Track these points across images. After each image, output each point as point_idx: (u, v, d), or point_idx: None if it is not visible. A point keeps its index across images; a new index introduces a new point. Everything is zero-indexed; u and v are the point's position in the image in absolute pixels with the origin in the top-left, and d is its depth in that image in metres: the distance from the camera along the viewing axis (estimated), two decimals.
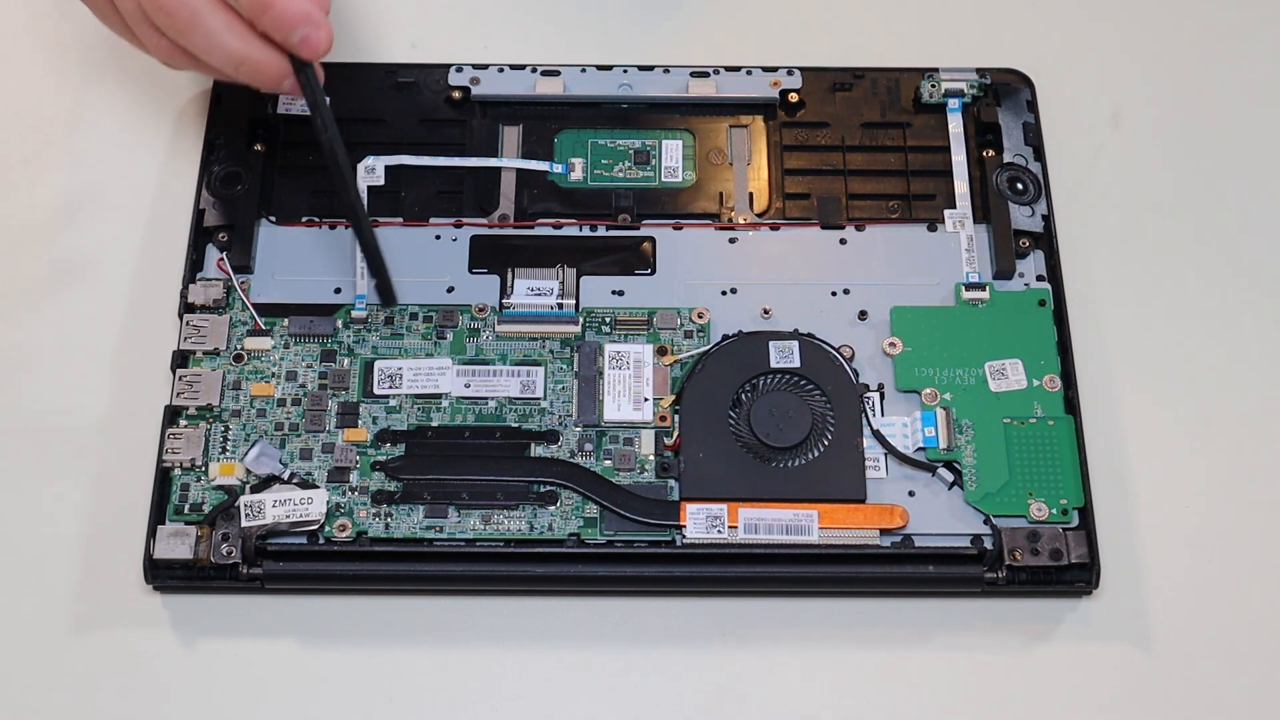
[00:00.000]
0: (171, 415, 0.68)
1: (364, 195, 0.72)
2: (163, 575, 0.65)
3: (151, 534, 0.65)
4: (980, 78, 0.76)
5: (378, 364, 0.69)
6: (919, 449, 0.67)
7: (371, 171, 0.73)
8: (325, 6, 0.65)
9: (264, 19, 0.63)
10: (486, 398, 0.69)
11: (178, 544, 0.65)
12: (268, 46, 0.65)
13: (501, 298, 0.71)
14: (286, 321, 0.70)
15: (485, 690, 0.65)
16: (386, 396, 0.68)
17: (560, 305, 0.71)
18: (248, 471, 0.67)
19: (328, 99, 0.66)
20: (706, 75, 0.76)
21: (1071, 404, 0.68)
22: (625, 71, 0.76)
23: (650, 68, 0.77)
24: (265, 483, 0.66)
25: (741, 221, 0.73)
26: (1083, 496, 0.66)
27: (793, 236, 0.73)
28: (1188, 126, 0.78)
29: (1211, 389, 0.71)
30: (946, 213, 0.73)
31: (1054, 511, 0.66)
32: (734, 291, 0.71)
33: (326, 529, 0.66)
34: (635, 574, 0.65)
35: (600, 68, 0.77)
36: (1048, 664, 0.66)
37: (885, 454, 0.67)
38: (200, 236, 0.72)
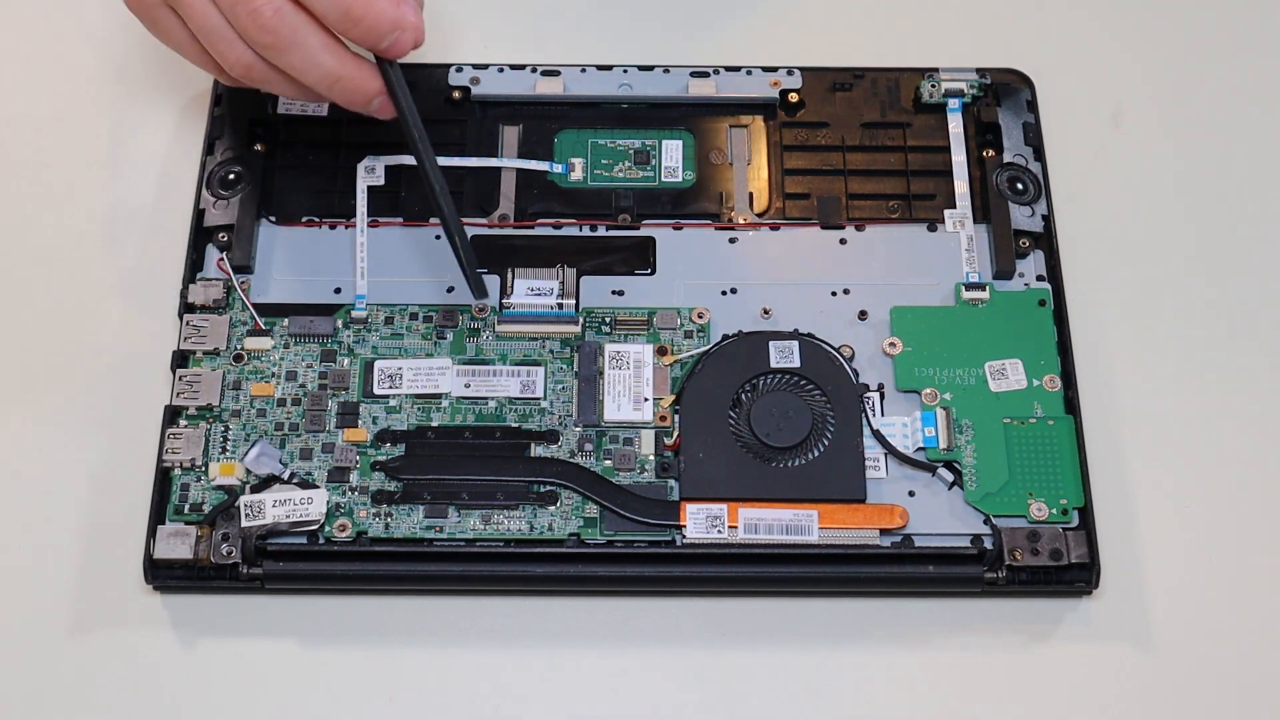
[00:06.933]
0: (171, 415, 0.68)
1: (364, 195, 0.72)
2: (163, 575, 0.65)
3: (151, 534, 0.65)
4: (980, 78, 0.76)
5: (378, 364, 0.69)
6: (919, 449, 0.67)
7: (371, 171, 0.73)
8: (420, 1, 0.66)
9: (354, 32, 0.64)
10: (486, 398, 0.69)
11: (178, 544, 0.65)
12: (361, 64, 0.65)
13: (501, 298, 0.71)
14: (286, 321, 0.70)
15: (485, 690, 0.65)
16: (386, 396, 0.68)
17: (560, 305, 0.71)
18: (248, 471, 0.67)
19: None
20: (706, 75, 0.76)
21: (1071, 404, 0.68)
22: (625, 71, 0.76)
23: (650, 68, 0.77)
24: (265, 483, 0.66)
25: (741, 221, 0.73)
26: (1083, 496, 0.66)
27: (793, 236, 0.73)
28: (1188, 126, 0.78)
29: (1211, 389, 0.71)
30: (946, 213, 0.73)
31: (1054, 511, 0.66)
32: (734, 291, 0.71)
33: (326, 529, 0.66)
34: (635, 574, 0.65)
35: (600, 68, 0.77)
36: (1048, 664, 0.66)
37: (885, 454, 0.67)
38: (200, 236, 0.72)
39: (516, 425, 0.68)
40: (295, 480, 0.67)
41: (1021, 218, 0.73)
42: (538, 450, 0.67)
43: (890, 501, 0.66)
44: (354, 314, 0.70)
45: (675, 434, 0.68)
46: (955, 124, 0.75)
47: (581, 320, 0.70)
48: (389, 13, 0.64)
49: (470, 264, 0.69)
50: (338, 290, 0.71)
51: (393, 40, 0.64)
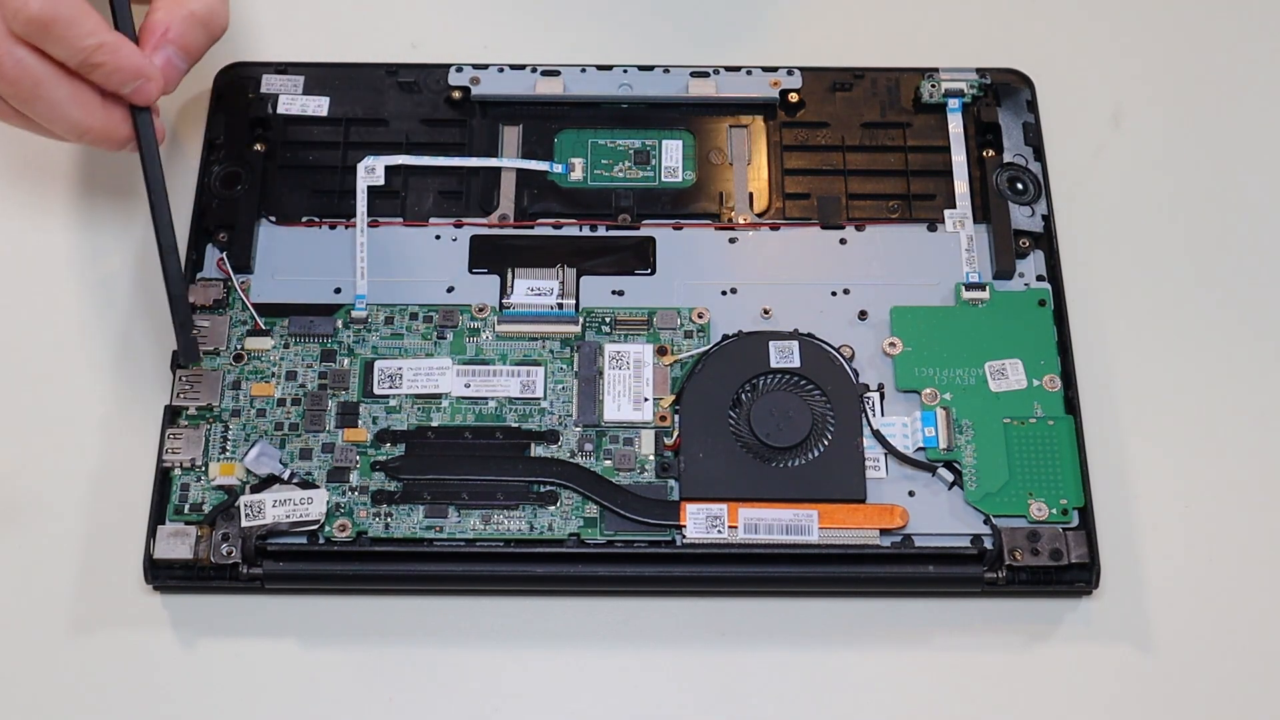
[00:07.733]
0: (171, 415, 0.68)
1: (364, 195, 0.72)
2: (163, 575, 0.65)
3: (151, 534, 0.65)
4: (980, 78, 0.76)
5: (378, 364, 0.69)
6: (919, 449, 0.67)
7: (371, 171, 0.73)
8: (191, 52, 0.66)
9: (95, 76, 0.63)
10: (486, 398, 0.69)
11: (178, 544, 0.65)
12: (109, 111, 0.65)
13: (501, 298, 0.71)
14: (286, 321, 0.70)
15: (485, 690, 0.65)
16: (386, 396, 0.68)
17: (560, 305, 0.71)
18: (248, 471, 0.67)
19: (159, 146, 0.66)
20: (706, 75, 0.76)
21: (1071, 404, 0.68)
22: (625, 71, 0.76)
23: (650, 68, 0.77)
24: (265, 483, 0.66)
25: (741, 221, 0.73)
26: (1083, 496, 0.66)
27: (793, 236, 0.73)
28: (1188, 126, 0.78)
29: (1211, 388, 0.71)
30: (946, 213, 0.73)
31: (1054, 511, 0.66)
32: (734, 291, 0.71)
33: (326, 529, 0.66)
34: (635, 574, 0.65)
35: (600, 68, 0.77)
36: (1048, 664, 0.66)
37: (885, 454, 0.67)
38: (200, 236, 0.72)
39: (516, 425, 0.68)
40: (295, 480, 0.67)
41: (1021, 218, 0.73)
42: (538, 450, 0.67)
43: (890, 501, 0.66)
44: (354, 314, 0.70)
45: (675, 434, 0.68)
46: (955, 124, 0.75)
47: (581, 320, 0.70)
48: (131, 61, 0.63)
49: (184, 326, 0.67)
50: (338, 290, 0.71)
51: (134, 88, 0.64)
